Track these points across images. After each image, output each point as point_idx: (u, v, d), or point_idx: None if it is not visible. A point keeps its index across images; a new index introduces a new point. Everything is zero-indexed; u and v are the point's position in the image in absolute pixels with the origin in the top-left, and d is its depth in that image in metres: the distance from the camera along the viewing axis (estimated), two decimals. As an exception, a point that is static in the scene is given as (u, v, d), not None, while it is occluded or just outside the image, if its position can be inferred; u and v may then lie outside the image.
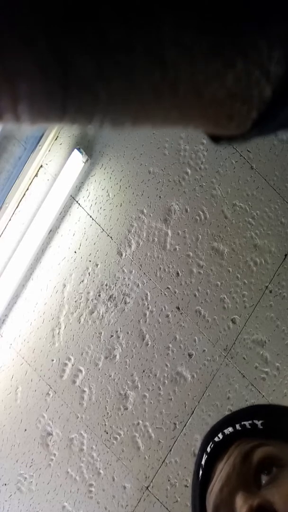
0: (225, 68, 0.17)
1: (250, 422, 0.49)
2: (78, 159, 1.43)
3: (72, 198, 1.47)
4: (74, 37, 0.15)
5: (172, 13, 0.16)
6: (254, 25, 0.17)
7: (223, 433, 0.49)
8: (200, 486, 0.49)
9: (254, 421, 0.49)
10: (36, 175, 1.46)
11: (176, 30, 0.16)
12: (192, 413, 1.47)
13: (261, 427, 0.48)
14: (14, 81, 0.15)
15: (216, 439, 0.49)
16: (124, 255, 1.47)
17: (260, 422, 0.48)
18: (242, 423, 0.49)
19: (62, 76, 0.15)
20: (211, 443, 0.50)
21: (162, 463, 1.45)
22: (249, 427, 0.48)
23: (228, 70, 0.17)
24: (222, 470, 0.47)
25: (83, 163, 1.44)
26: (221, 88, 0.18)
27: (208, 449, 0.50)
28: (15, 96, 0.15)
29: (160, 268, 1.47)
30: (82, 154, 1.43)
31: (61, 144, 1.47)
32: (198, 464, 0.51)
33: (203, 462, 0.50)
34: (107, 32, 0.15)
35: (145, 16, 0.15)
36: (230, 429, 0.49)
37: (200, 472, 0.50)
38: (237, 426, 0.49)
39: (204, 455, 0.50)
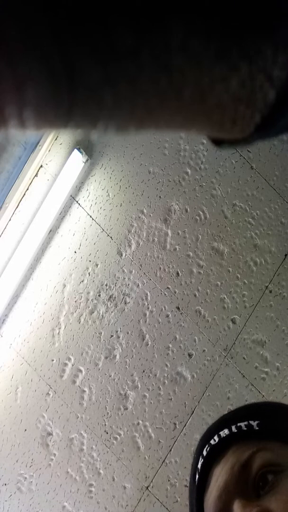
0: (230, 73, 0.17)
1: (245, 423, 0.48)
2: (78, 159, 1.43)
3: (72, 198, 1.47)
4: (81, 42, 0.15)
5: (180, 18, 0.16)
6: (260, 30, 0.17)
7: (219, 436, 0.49)
8: (197, 491, 0.49)
9: (250, 421, 0.48)
10: (36, 175, 1.45)
11: (184, 35, 0.16)
12: (192, 413, 1.47)
13: (257, 428, 0.47)
14: (21, 87, 0.15)
15: (212, 441, 0.49)
16: (124, 255, 1.47)
17: (255, 422, 0.48)
18: (238, 424, 0.48)
19: (68, 82, 0.15)
20: (207, 446, 0.49)
21: (162, 463, 1.45)
22: (245, 428, 0.48)
23: (233, 75, 0.17)
24: (219, 477, 0.46)
25: (83, 163, 1.44)
26: (225, 92, 0.18)
27: (204, 452, 0.49)
28: (22, 102, 0.15)
29: (160, 268, 1.47)
30: (82, 154, 1.42)
31: (61, 144, 1.46)
32: (194, 468, 0.51)
33: (199, 466, 0.49)
34: (115, 37, 0.15)
35: (153, 21, 0.15)
36: (226, 431, 0.48)
37: (197, 476, 0.49)
38: (233, 428, 0.48)
39: (200, 458, 0.50)
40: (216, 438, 0.49)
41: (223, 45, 0.17)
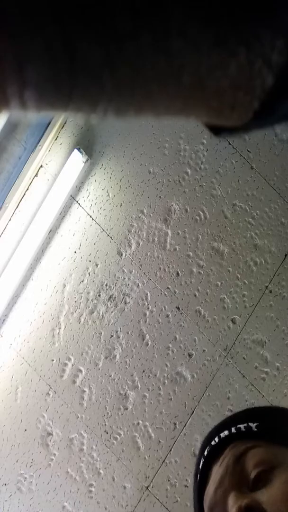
0: (229, 58, 0.17)
1: (245, 425, 0.50)
2: (78, 159, 1.43)
3: (72, 198, 1.47)
4: (83, 23, 0.15)
5: (180, 2, 0.16)
6: (258, 15, 0.17)
7: (219, 437, 0.50)
8: (198, 489, 0.51)
9: (249, 423, 0.50)
10: (36, 175, 1.46)
11: (183, 19, 0.16)
12: (192, 413, 1.47)
13: (255, 429, 0.49)
14: (23, 67, 0.15)
15: (212, 442, 0.51)
16: (124, 255, 1.47)
17: (254, 424, 0.49)
18: (238, 426, 0.50)
19: (69, 63, 0.15)
20: (208, 447, 0.51)
21: (162, 463, 1.45)
22: (244, 430, 0.49)
23: (231, 60, 0.17)
24: (216, 473, 0.48)
25: (83, 163, 1.44)
26: (224, 78, 0.18)
27: (205, 453, 0.51)
28: (23, 82, 0.15)
29: (160, 268, 1.47)
30: (82, 154, 1.43)
31: (61, 144, 1.47)
32: (196, 468, 0.53)
33: (200, 466, 0.51)
34: (116, 19, 0.15)
35: (153, 5, 0.15)
36: (226, 432, 0.50)
37: (198, 475, 0.51)
38: (233, 429, 0.50)
39: (202, 458, 0.52)
40: (216, 439, 0.51)
41: (221, 29, 0.17)
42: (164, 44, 0.16)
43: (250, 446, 0.47)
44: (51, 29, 0.15)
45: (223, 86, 0.18)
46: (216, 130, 0.22)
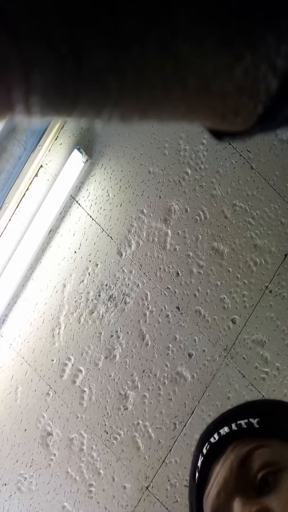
0: (234, 61, 0.17)
1: (245, 421, 0.48)
2: (78, 159, 1.43)
3: (72, 198, 1.47)
4: (90, 26, 0.15)
5: (186, 5, 0.16)
6: (264, 19, 0.17)
7: (219, 434, 0.48)
8: (197, 489, 0.48)
9: (250, 419, 0.48)
10: (36, 175, 1.46)
11: (189, 22, 0.16)
12: (192, 413, 1.47)
13: (257, 425, 0.47)
14: (29, 70, 0.14)
15: (212, 439, 0.48)
16: (124, 255, 1.47)
17: (256, 420, 0.47)
18: (238, 422, 0.48)
19: (75, 67, 0.15)
20: (207, 444, 0.49)
21: (162, 463, 1.45)
22: (245, 426, 0.47)
23: (237, 63, 0.17)
24: (219, 474, 0.46)
25: (83, 163, 1.44)
26: (229, 82, 0.18)
27: (204, 450, 0.49)
28: (28, 87, 0.15)
29: (160, 268, 1.47)
30: (82, 154, 1.43)
31: (61, 144, 1.47)
32: (194, 466, 0.50)
33: (199, 464, 0.49)
34: (123, 23, 0.15)
35: (160, 8, 0.15)
36: (226, 429, 0.48)
37: (197, 474, 0.49)
38: (233, 426, 0.48)
39: (200, 456, 0.49)
40: (216, 436, 0.48)
41: (227, 33, 0.17)
42: (170, 47, 0.16)
43: (254, 446, 0.45)
44: (57, 33, 0.14)
45: (228, 90, 0.18)
46: (219, 135, 0.22)
